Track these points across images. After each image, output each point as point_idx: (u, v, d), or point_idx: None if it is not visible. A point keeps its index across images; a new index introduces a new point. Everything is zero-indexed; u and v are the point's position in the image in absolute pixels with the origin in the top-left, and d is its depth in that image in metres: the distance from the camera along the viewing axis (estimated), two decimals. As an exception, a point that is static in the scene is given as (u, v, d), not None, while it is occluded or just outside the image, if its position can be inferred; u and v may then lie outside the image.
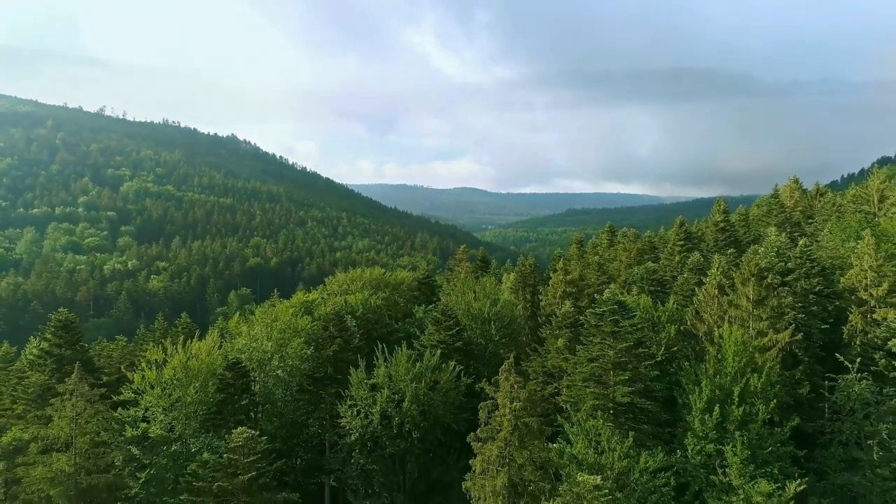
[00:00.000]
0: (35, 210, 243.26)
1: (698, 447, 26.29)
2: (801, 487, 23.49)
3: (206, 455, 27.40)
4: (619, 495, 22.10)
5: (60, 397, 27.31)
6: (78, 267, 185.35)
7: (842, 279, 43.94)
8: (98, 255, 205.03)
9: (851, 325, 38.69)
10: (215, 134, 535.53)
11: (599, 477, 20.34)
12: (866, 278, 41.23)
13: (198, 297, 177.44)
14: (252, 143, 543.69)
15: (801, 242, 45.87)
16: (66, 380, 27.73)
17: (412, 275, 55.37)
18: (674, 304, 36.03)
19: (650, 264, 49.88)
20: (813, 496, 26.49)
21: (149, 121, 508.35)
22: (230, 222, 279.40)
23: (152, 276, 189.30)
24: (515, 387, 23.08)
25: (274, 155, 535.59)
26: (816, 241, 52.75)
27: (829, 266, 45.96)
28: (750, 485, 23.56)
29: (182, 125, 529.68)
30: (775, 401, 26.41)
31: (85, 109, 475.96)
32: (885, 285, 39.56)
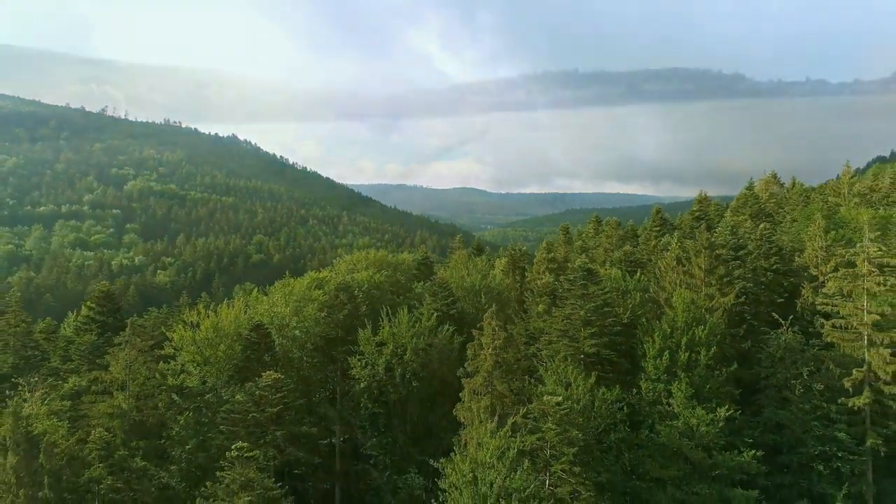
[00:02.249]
0: (42, 208, 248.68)
1: (651, 387, 31.46)
2: (729, 413, 28.67)
3: (239, 396, 32.55)
4: (580, 420, 27.20)
5: (116, 347, 32.49)
6: (86, 262, 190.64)
7: (796, 258, 49.40)
8: (105, 251, 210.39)
9: (804, 299, 43.86)
10: (216, 134, 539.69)
11: (561, 397, 25.46)
12: (817, 257, 46.63)
13: (204, 292, 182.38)
14: (253, 143, 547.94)
15: (760, 226, 51.23)
16: (121, 333, 32.93)
17: (412, 256, 60.66)
18: (640, 275, 41.22)
19: (628, 247, 55.09)
20: (748, 429, 31.62)
21: (150, 121, 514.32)
22: (232, 220, 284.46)
23: (159, 271, 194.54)
24: (496, 329, 28.20)
25: (274, 154, 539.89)
26: (778, 226, 57.92)
27: (788, 248, 51.33)
28: (689, 411, 28.73)
29: (183, 125, 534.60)
30: (715, 347, 31.55)
31: (87, 110, 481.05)
32: (832, 263, 44.87)
